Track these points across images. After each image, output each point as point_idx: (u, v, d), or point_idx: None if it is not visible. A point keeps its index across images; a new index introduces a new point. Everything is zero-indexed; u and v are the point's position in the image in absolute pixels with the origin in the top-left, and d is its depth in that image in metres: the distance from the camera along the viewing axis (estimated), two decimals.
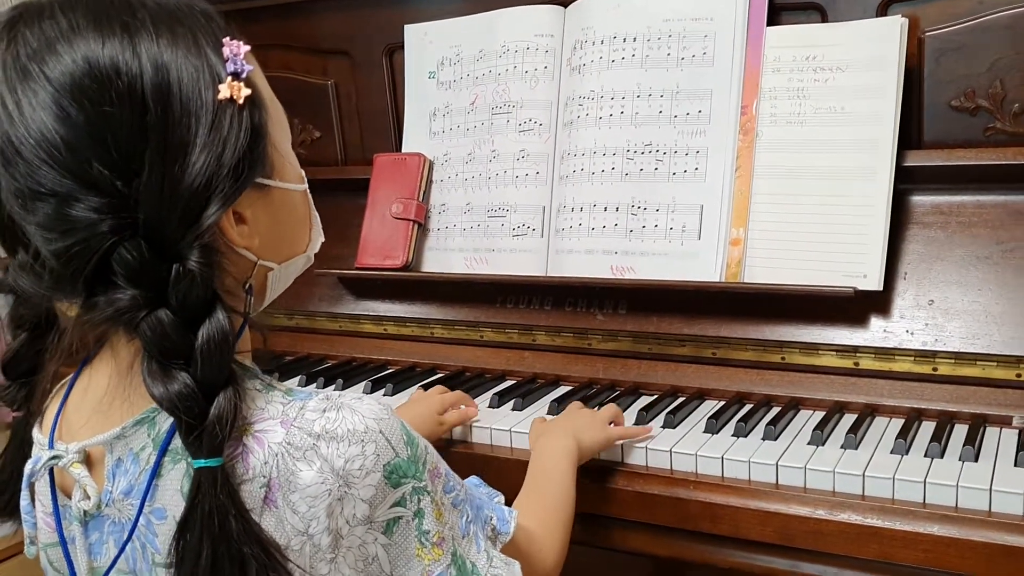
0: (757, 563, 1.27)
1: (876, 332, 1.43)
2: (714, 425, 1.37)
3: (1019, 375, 1.34)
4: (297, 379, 1.75)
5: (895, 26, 1.45)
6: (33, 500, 0.92)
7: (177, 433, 0.78)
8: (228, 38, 0.81)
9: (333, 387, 1.69)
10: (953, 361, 1.38)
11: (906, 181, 1.46)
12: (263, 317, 0.92)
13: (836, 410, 1.41)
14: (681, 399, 1.51)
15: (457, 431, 1.47)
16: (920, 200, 1.48)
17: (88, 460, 0.86)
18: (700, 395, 1.53)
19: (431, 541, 0.85)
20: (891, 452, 1.25)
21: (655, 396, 1.54)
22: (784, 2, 1.57)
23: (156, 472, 0.81)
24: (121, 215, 0.75)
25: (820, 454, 1.27)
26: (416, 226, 1.83)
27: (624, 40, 1.64)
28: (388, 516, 0.82)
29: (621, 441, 1.35)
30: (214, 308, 0.78)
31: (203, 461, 0.76)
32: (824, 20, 1.55)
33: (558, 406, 1.48)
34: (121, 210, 0.75)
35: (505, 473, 1.32)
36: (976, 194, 1.44)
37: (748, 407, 1.45)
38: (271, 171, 0.85)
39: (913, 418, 1.35)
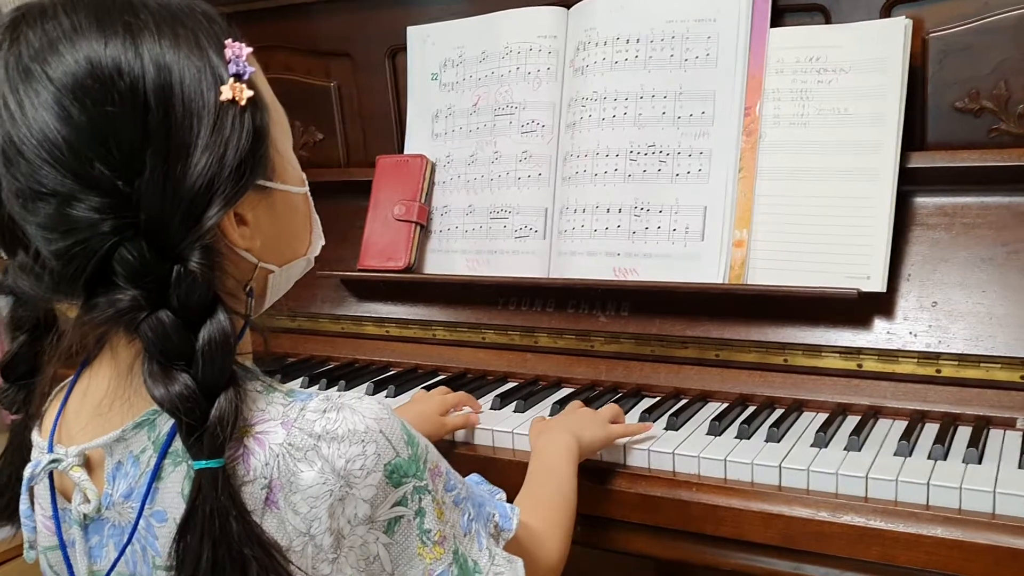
0: (759, 565, 1.26)
1: (879, 334, 1.43)
2: (717, 427, 1.37)
3: (1023, 377, 1.34)
4: (300, 380, 1.75)
5: (899, 27, 1.45)
6: (32, 504, 0.92)
7: (178, 435, 0.78)
8: (230, 40, 0.82)
9: (335, 388, 1.69)
10: (957, 363, 1.37)
11: (910, 182, 1.45)
12: (264, 319, 0.92)
13: (839, 412, 1.41)
14: (684, 401, 1.51)
15: (460, 433, 1.47)
16: (924, 201, 1.48)
17: (88, 463, 0.86)
18: (703, 397, 1.53)
19: (433, 540, 0.85)
20: (894, 454, 1.25)
21: (658, 398, 1.53)
22: (787, 3, 1.56)
23: (156, 475, 0.81)
24: (122, 215, 0.75)
25: (823, 456, 1.26)
26: (418, 228, 1.83)
27: (627, 41, 1.64)
28: (389, 516, 0.82)
29: (622, 440, 1.35)
30: (215, 309, 0.78)
31: (204, 462, 0.75)
32: (828, 21, 1.54)
33: (560, 408, 1.47)
34: (122, 210, 0.75)
35: (507, 474, 1.32)
36: (980, 195, 1.44)
37: (751, 409, 1.45)
38: (272, 173, 0.85)
39: (916, 420, 1.35)
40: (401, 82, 1.95)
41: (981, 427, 1.31)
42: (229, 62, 0.80)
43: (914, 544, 1.14)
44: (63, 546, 0.89)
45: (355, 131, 2.05)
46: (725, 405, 1.48)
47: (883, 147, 1.44)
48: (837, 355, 1.45)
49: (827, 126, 1.49)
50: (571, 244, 1.67)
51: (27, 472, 0.89)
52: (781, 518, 1.21)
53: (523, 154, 1.75)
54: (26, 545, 0.95)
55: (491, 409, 1.53)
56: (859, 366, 1.44)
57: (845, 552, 1.18)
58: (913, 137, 1.49)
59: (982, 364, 1.36)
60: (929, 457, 1.23)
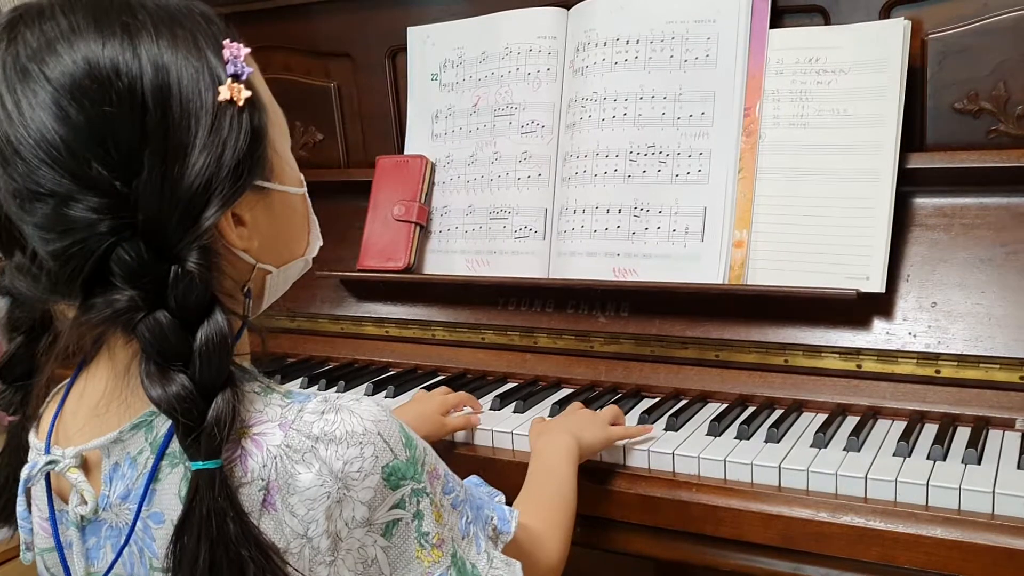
0: (759, 566, 1.26)
1: (879, 334, 1.43)
2: (717, 428, 1.37)
3: (1022, 377, 1.33)
4: (299, 381, 1.75)
5: (898, 28, 1.45)
6: (29, 505, 0.92)
7: (175, 436, 0.78)
8: (228, 40, 0.81)
9: (335, 389, 1.69)
10: (956, 363, 1.37)
11: (909, 183, 1.45)
12: (262, 319, 0.92)
13: (839, 413, 1.41)
14: (684, 402, 1.51)
15: (459, 433, 1.47)
16: (923, 202, 1.48)
17: (85, 465, 0.85)
18: (703, 398, 1.53)
19: (431, 543, 0.85)
20: (893, 455, 1.25)
21: (657, 399, 1.53)
22: (787, 4, 1.56)
23: (154, 476, 0.80)
24: (120, 216, 0.75)
25: (823, 457, 1.26)
26: (418, 228, 1.83)
27: (627, 42, 1.64)
28: (387, 518, 0.82)
29: (622, 441, 1.35)
30: (212, 310, 0.77)
31: (201, 463, 0.75)
32: (827, 22, 1.54)
33: (560, 408, 1.47)
34: (120, 211, 0.75)
35: (507, 475, 1.32)
36: (979, 196, 1.44)
37: (751, 410, 1.45)
38: (270, 174, 0.85)
39: (916, 421, 1.35)
40: (401, 82, 1.95)
41: (980, 428, 1.31)
42: (227, 63, 0.80)
43: (913, 544, 1.14)
44: (60, 548, 0.89)
45: (355, 131, 2.05)
46: (725, 406, 1.48)
47: (882, 148, 1.44)
48: (837, 355, 1.45)
49: (826, 127, 1.49)
50: (571, 244, 1.67)
51: (24, 473, 0.89)
52: (781, 519, 1.21)
53: (523, 154, 1.75)
54: (23, 547, 0.95)
55: (491, 410, 1.53)
56: (858, 367, 1.44)
57: (845, 553, 1.18)
58: (912, 138, 1.49)
59: (981, 365, 1.36)
60: (928, 458, 1.23)
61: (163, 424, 0.80)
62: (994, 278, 1.38)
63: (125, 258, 0.75)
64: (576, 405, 1.43)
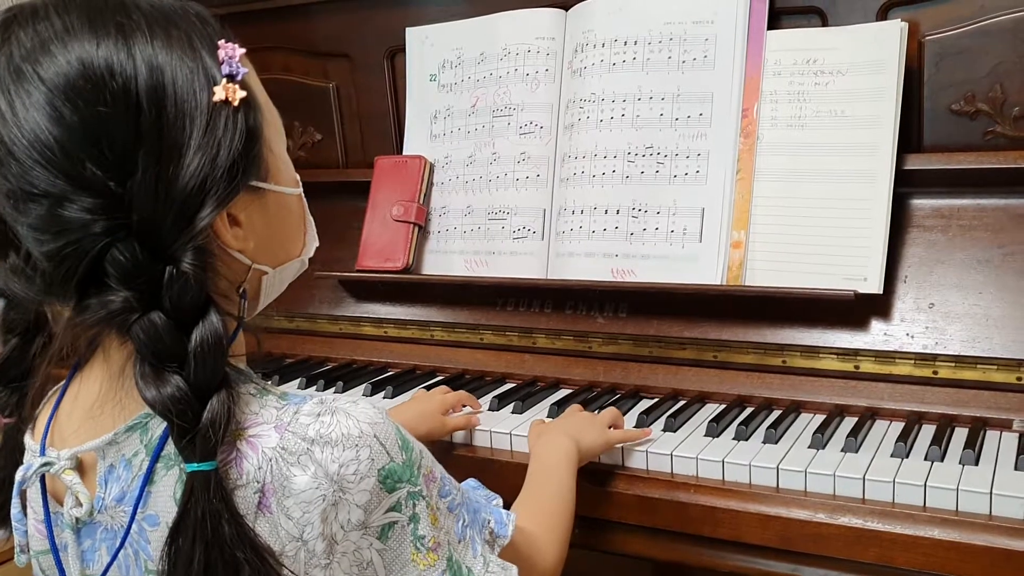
0: (757, 567, 1.26)
1: (876, 335, 1.43)
2: (715, 428, 1.37)
3: (1019, 378, 1.33)
4: (297, 381, 1.75)
5: (895, 30, 1.45)
6: (24, 507, 0.92)
7: (170, 438, 0.77)
8: (223, 40, 0.81)
9: (333, 389, 1.69)
10: (953, 364, 1.37)
11: (906, 184, 1.45)
12: (258, 320, 0.91)
13: (836, 413, 1.41)
14: (682, 402, 1.50)
15: (458, 434, 1.47)
16: (920, 203, 1.47)
17: (80, 466, 0.85)
18: (701, 398, 1.53)
19: (426, 546, 0.84)
20: (891, 455, 1.25)
21: (656, 399, 1.53)
22: (784, 6, 1.56)
23: (149, 478, 0.80)
24: (114, 216, 0.74)
25: (820, 457, 1.26)
26: (416, 228, 1.83)
27: (625, 43, 1.64)
28: (383, 521, 0.81)
29: (621, 444, 1.35)
30: (208, 310, 0.77)
31: (196, 465, 0.75)
32: (824, 24, 1.54)
33: (558, 409, 1.47)
34: (114, 211, 0.74)
35: (505, 476, 1.32)
36: (976, 198, 1.44)
37: (749, 410, 1.45)
38: (266, 174, 0.85)
39: (913, 421, 1.35)
40: (400, 83, 1.95)
41: (978, 428, 1.31)
42: (222, 63, 0.80)
43: (911, 545, 1.14)
44: (55, 550, 0.89)
45: (353, 132, 2.04)
46: (723, 406, 1.48)
47: (880, 149, 1.44)
48: (834, 356, 1.45)
49: (824, 128, 1.49)
50: (569, 245, 1.67)
51: (19, 475, 0.88)
52: (779, 519, 1.21)
53: (521, 155, 1.75)
54: (17, 549, 0.95)
55: (489, 410, 1.53)
56: (856, 367, 1.44)
57: (843, 553, 1.18)
58: (909, 139, 1.49)
59: (979, 365, 1.36)
60: (926, 458, 1.23)
61: (158, 426, 0.80)
62: (991, 279, 1.38)
63: (120, 259, 0.75)
64: (575, 407, 1.43)
